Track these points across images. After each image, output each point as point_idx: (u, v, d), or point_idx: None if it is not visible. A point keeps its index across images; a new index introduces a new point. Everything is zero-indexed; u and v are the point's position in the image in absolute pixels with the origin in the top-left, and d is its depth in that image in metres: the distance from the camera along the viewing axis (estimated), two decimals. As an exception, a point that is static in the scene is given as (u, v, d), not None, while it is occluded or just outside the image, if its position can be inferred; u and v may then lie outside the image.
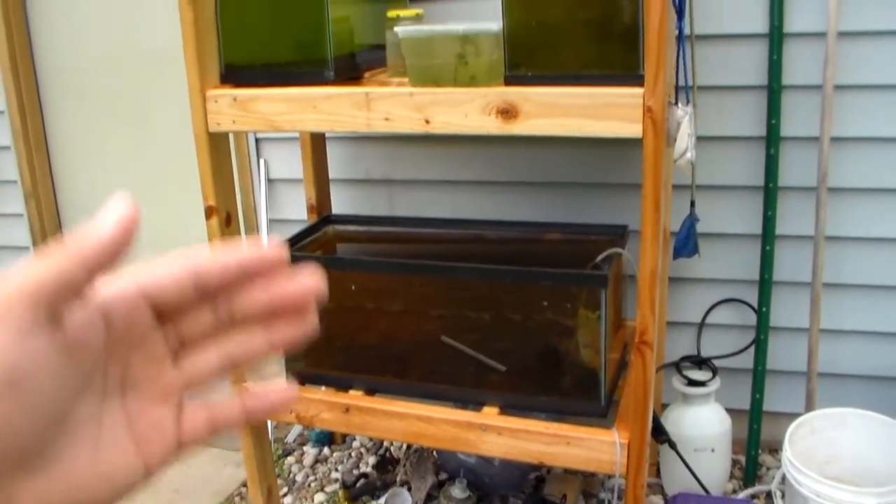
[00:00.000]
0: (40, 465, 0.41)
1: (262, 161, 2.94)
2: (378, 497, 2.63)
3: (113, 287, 0.44)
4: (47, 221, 3.60)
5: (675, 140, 1.80)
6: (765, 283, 2.45)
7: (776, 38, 2.28)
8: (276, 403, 0.49)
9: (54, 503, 0.41)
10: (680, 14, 1.83)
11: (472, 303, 2.15)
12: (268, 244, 0.46)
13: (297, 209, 2.78)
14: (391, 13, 2.03)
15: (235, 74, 2.02)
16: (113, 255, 0.41)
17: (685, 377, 2.41)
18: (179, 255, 0.46)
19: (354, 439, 2.98)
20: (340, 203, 2.77)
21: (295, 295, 0.46)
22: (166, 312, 0.46)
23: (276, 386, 0.49)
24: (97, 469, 0.43)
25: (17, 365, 0.38)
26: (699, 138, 2.32)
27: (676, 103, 1.86)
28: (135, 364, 0.45)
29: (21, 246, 3.60)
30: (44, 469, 0.41)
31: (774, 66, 2.30)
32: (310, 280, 0.47)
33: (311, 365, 2.26)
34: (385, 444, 2.92)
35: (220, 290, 0.46)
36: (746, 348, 2.54)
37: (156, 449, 0.45)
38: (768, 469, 2.61)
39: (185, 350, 0.47)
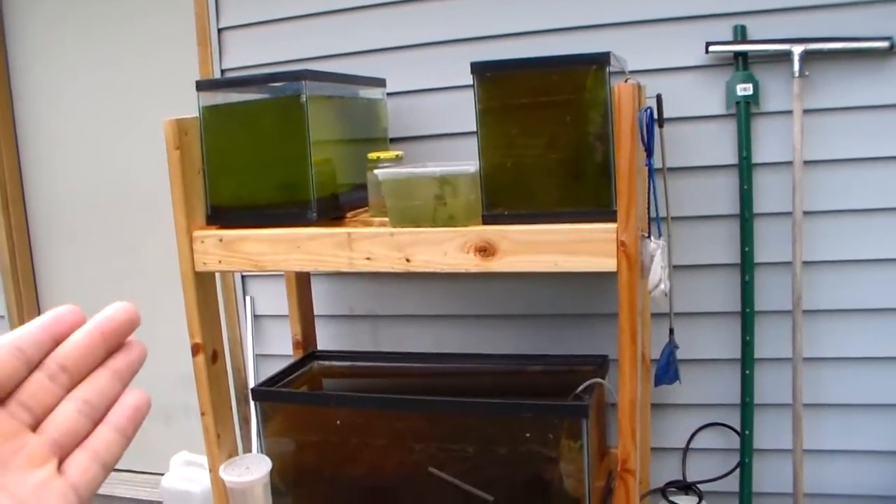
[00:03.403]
0: None
1: (248, 298, 2.98)
2: None
3: None
4: (35, 359, 3.61)
5: (650, 272, 1.85)
6: (746, 407, 2.48)
7: (745, 168, 2.36)
8: (137, 407, 0.53)
9: None
10: (649, 152, 1.90)
11: (457, 435, 2.16)
12: (65, 309, 0.52)
13: (282, 344, 2.81)
14: (372, 155, 2.09)
15: (221, 215, 2.07)
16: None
17: (671, 503, 2.41)
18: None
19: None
20: (325, 338, 2.80)
21: (110, 328, 0.52)
22: (2, 391, 0.49)
23: (127, 394, 0.53)
24: None
25: None
26: (675, 267, 2.39)
27: (649, 236, 1.92)
28: None
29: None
30: None
31: (745, 196, 2.37)
32: (118, 312, 0.53)
33: (298, 499, 2.26)
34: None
35: (42, 354, 0.50)
36: (732, 471, 2.54)
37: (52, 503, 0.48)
38: None
39: (38, 418, 0.50)
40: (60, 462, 0.50)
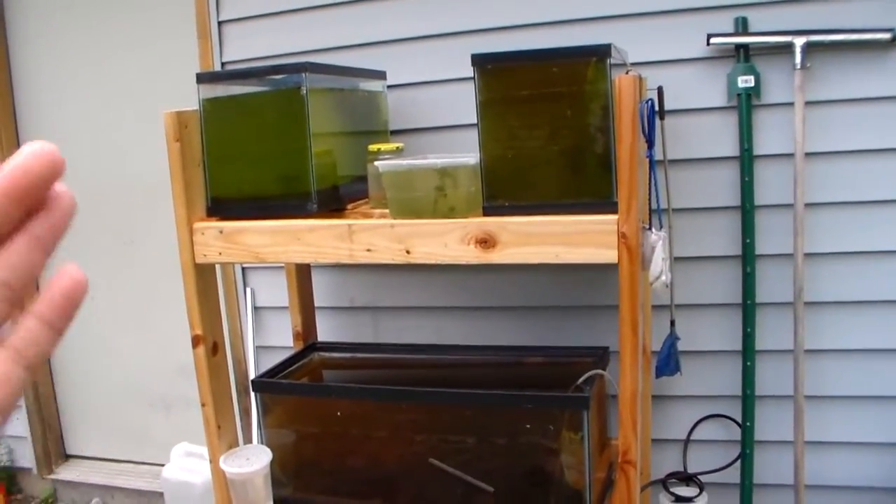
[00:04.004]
0: None
1: (248, 289, 2.98)
2: None
3: None
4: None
5: (651, 263, 1.85)
6: (748, 398, 2.48)
7: (747, 160, 2.36)
8: (70, 290, 0.43)
9: None
10: (650, 143, 1.90)
11: (457, 426, 2.16)
12: None
13: (283, 336, 2.81)
14: (372, 147, 2.09)
15: (221, 207, 2.07)
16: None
17: (672, 494, 2.42)
18: None
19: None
20: (326, 330, 2.80)
21: (23, 179, 0.41)
22: None
23: (57, 274, 0.43)
24: None
25: None
26: (677, 259, 2.38)
27: (650, 228, 1.91)
28: None
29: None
30: None
31: (746, 188, 2.37)
32: (33, 158, 0.41)
33: (298, 489, 2.26)
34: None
35: None
36: (732, 463, 2.54)
37: None
38: (760, 585, 2.60)
39: None
40: None
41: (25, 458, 3.73)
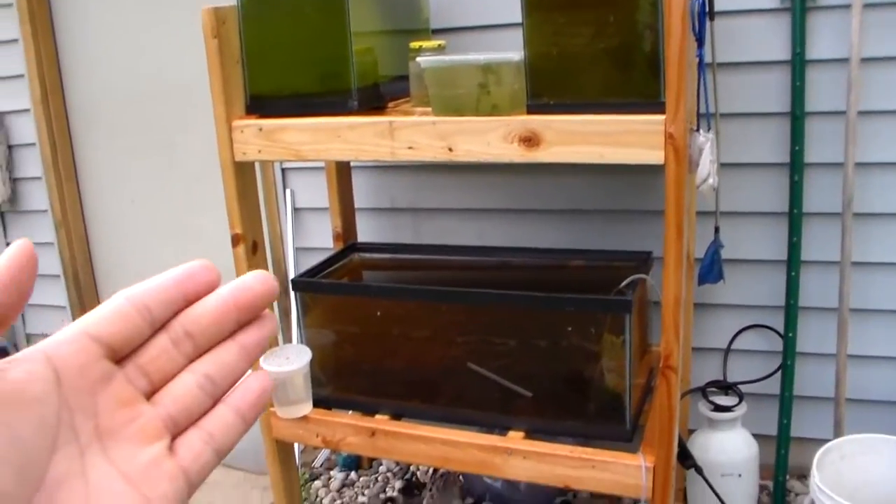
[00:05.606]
0: None
1: (288, 191, 2.97)
2: (404, 522, 2.63)
3: (57, 336, 0.43)
4: (77, 250, 3.65)
5: (698, 166, 1.81)
6: (791, 309, 2.45)
7: (798, 64, 2.29)
8: (262, 390, 0.48)
9: None
10: (700, 42, 1.84)
11: (497, 329, 2.16)
12: (199, 265, 0.47)
13: (323, 238, 2.81)
14: (414, 44, 2.05)
15: (261, 105, 2.05)
16: (10, 295, 0.41)
17: (711, 402, 2.41)
18: (122, 292, 0.45)
19: (381, 464, 2.99)
20: (366, 232, 2.79)
21: (245, 298, 0.47)
22: (122, 351, 0.44)
23: (251, 377, 0.48)
24: None
25: None
26: (723, 165, 2.33)
27: (698, 130, 1.87)
28: (102, 411, 0.43)
29: (52, 274, 3.65)
30: None
31: (797, 93, 2.31)
32: (256, 282, 0.47)
33: (337, 390, 2.28)
34: (411, 468, 2.93)
35: (170, 315, 0.46)
36: (773, 374, 2.53)
37: (160, 487, 0.43)
38: (797, 495, 2.59)
39: (155, 385, 0.45)
40: (172, 440, 0.45)
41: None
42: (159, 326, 0.45)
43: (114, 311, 0.44)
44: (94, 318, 0.44)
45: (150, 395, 0.45)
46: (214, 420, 0.46)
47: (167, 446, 0.44)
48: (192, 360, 0.46)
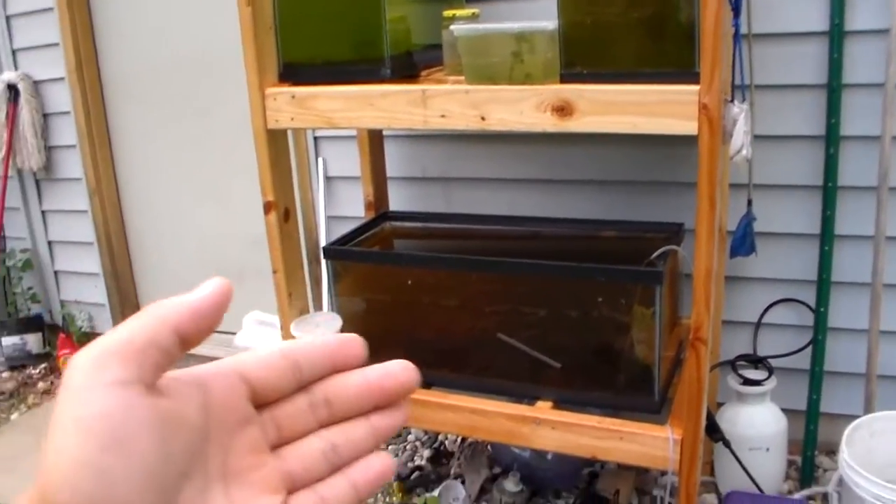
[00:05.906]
0: None
1: (320, 159, 2.98)
2: (432, 490, 2.64)
3: (212, 367, 0.45)
4: (111, 217, 3.69)
5: (731, 137, 1.79)
6: (823, 284, 2.43)
7: (836, 36, 2.26)
8: (382, 472, 0.48)
9: None
10: (736, 12, 1.82)
11: (527, 299, 2.16)
12: (351, 337, 0.48)
13: (354, 206, 2.81)
14: (447, 13, 2.04)
15: (294, 72, 2.05)
16: (202, 322, 0.42)
17: (741, 376, 2.40)
18: (278, 344, 0.47)
19: (410, 432, 3.00)
20: (398, 201, 2.79)
21: (389, 384, 0.48)
22: (264, 398, 0.46)
23: (374, 455, 0.49)
24: None
25: (118, 419, 0.37)
26: (757, 137, 2.31)
27: (733, 101, 1.85)
28: (234, 451, 0.44)
29: (85, 241, 3.68)
30: None
31: (835, 65, 2.28)
32: (402, 371, 0.48)
33: (368, 358, 2.28)
34: (440, 437, 2.95)
35: (315, 378, 0.47)
36: (803, 348, 2.52)
37: None
38: (825, 471, 2.59)
39: (282, 440, 0.47)
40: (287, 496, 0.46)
41: (105, 323, 3.83)
42: (302, 387, 0.47)
43: (268, 358, 0.46)
44: (249, 360, 0.46)
45: (274, 448, 0.46)
46: (330, 487, 0.47)
47: (283, 502, 0.45)
48: (323, 427, 0.47)
